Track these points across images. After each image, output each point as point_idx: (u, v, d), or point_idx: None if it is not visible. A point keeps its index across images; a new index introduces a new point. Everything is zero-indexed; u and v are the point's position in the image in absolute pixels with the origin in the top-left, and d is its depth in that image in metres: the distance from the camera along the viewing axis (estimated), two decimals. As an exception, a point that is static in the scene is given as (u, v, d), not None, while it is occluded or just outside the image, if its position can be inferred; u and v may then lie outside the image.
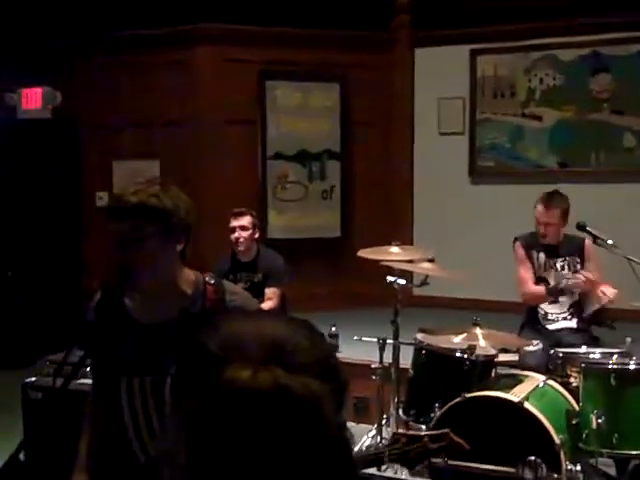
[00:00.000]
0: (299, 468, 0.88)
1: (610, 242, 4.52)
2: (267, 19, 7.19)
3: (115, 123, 7.46)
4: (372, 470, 4.40)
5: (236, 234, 5.31)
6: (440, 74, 7.58)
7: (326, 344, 0.99)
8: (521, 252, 4.88)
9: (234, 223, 5.35)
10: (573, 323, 4.79)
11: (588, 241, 4.71)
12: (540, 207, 4.75)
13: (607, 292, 4.50)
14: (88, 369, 4.02)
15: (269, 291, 5.31)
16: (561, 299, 4.82)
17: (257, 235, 5.45)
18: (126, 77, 7.40)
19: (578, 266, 4.82)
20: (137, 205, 2.09)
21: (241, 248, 5.33)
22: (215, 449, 0.89)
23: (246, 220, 5.37)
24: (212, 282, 2.25)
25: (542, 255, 4.85)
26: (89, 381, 4.07)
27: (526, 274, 4.84)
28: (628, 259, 4.40)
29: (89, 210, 7.52)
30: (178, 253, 2.18)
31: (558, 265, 4.84)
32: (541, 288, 4.79)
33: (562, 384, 4.06)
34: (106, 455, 2.32)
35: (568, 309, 4.81)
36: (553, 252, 4.84)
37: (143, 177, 2.27)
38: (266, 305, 5.13)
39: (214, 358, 0.91)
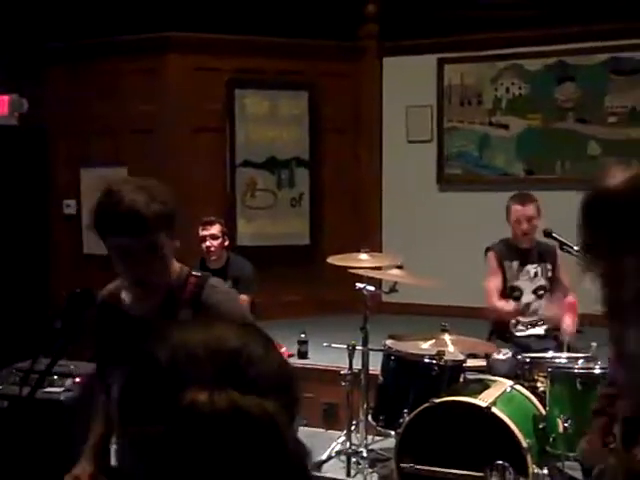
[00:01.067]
0: None
1: (576, 248, 4.57)
2: (237, 28, 7.20)
3: (83, 130, 7.41)
4: (342, 475, 4.44)
5: (207, 243, 5.36)
6: (408, 83, 7.64)
7: (279, 353, 0.99)
8: (494, 263, 4.89)
9: (204, 232, 5.38)
10: (541, 330, 4.84)
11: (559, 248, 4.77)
12: (517, 205, 4.81)
13: (567, 328, 4.47)
14: (55, 377, 4.01)
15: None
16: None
17: (227, 243, 5.50)
18: (95, 84, 7.36)
19: (550, 273, 4.88)
20: (149, 217, 2.02)
21: (213, 257, 5.39)
22: (176, 473, 0.88)
23: (216, 229, 5.41)
24: (197, 275, 2.23)
25: (515, 263, 4.88)
26: (56, 389, 4.06)
27: (493, 286, 4.85)
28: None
29: (57, 218, 7.47)
30: (175, 248, 2.18)
31: (531, 272, 4.88)
32: (507, 306, 4.80)
33: (529, 389, 4.11)
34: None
35: (537, 319, 4.85)
36: (526, 258, 4.87)
37: (120, 181, 2.26)
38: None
39: (167, 377, 0.90)
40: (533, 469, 3.70)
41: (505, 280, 4.87)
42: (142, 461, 0.90)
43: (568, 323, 4.33)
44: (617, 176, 2.20)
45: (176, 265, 2.23)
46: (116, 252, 2.09)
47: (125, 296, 2.26)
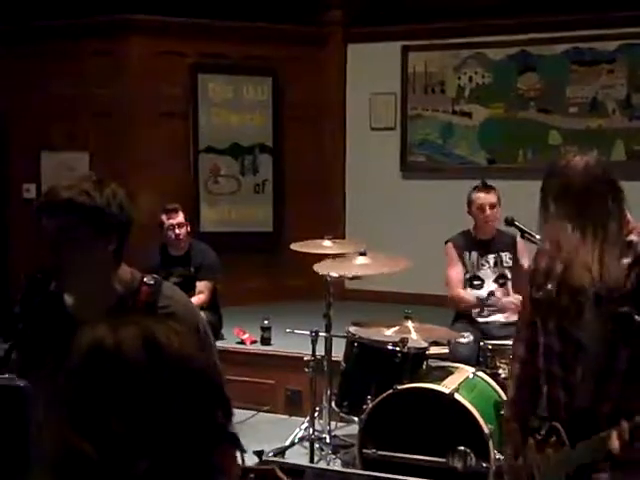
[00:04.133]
0: (171, 406, 0.98)
1: (538, 237, 4.61)
2: (201, 12, 7.14)
3: (43, 114, 7.30)
4: (305, 462, 4.44)
5: (176, 231, 5.34)
6: (372, 70, 7.64)
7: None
8: (453, 253, 4.94)
9: (171, 221, 5.35)
10: (502, 317, 4.89)
11: (520, 237, 4.81)
12: (479, 193, 4.86)
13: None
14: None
15: (200, 285, 5.31)
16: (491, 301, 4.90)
17: (189, 229, 5.48)
18: (55, 67, 7.25)
19: (510, 262, 4.93)
20: (67, 202, 2.01)
21: (182, 244, 5.37)
22: (93, 404, 0.98)
23: (181, 216, 5.40)
24: (150, 283, 2.14)
25: (474, 254, 4.93)
26: (15, 375, 4.01)
27: (454, 278, 4.90)
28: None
29: (16, 202, 7.36)
30: (111, 252, 2.08)
31: (491, 261, 4.93)
32: (470, 297, 4.86)
33: (491, 375, 4.16)
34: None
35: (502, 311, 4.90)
36: (485, 249, 4.92)
37: (80, 172, 2.24)
38: (197, 299, 5.12)
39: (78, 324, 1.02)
40: (495, 454, 3.74)
41: (466, 271, 4.92)
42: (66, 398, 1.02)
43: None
44: (575, 162, 2.35)
45: (126, 271, 2.15)
46: (42, 234, 2.08)
47: (68, 297, 2.19)
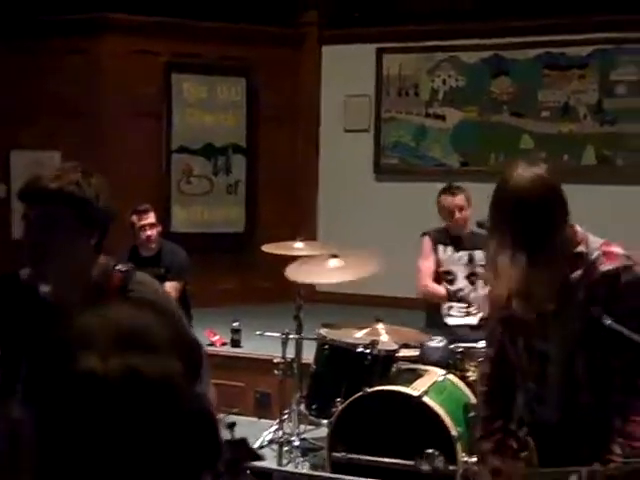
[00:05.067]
0: (160, 447, 0.91)
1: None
2: (176, 11, 7.10)
3: (14, 113, 7.22)
4: (273, 465, 4.43)
5: (148, 232, 5.31)
6: (347, 72, 7.64)
7: (177, 323, 1.01)
8: (428, 246, 4.97)
9: (143, 222, 5.32)
10: (474, 320, 4.90)
11: (491, 238, 4.83)
12: (447, 197, 4.89)
13: None
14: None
15: (169, 285, 5.27)
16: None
17: (160, 230, 5.47)
18: (27, 66, 7.18)
19: (482, 261, 4.95)
20: (55, 191, 2.01)
21: (153, 245, 5.35)
22: (70, 441, 0.90)
23: (152, 217, 5.38)
24: (122, 270, 2.17)
25: (449, 249, 4.96)
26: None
27: (425, 268, 4.93)
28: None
29: (-15, 201, 7.28)
30: (92, 245, 2.11)
31: (464, 258, 4.95)
32: (439, 289, 4.87)
33: (461, 378, 4.16)
34: None
35: (472, 306, 4.91)
36: (459, 245, 4.95)
37: (64, 164, 2.22)
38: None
39: (62, 349, 0.93)
40: (462, 457, 3.75)
41: (439, 265, 4.94)
42: (41, 432, 0.92)
43: None
44: (524, 173, 2.27)
45: (101, 258, 2.17)
46: (25, 222, 2.08)
47: (44, 287, 2.20)
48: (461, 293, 4.88)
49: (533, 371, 2.36)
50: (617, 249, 2.31)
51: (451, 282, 4.92)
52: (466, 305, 4.89)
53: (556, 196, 2.27)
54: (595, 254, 2.28)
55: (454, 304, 4.91)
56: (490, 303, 2.51)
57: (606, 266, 2.26)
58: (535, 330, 2.33)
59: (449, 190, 4.94)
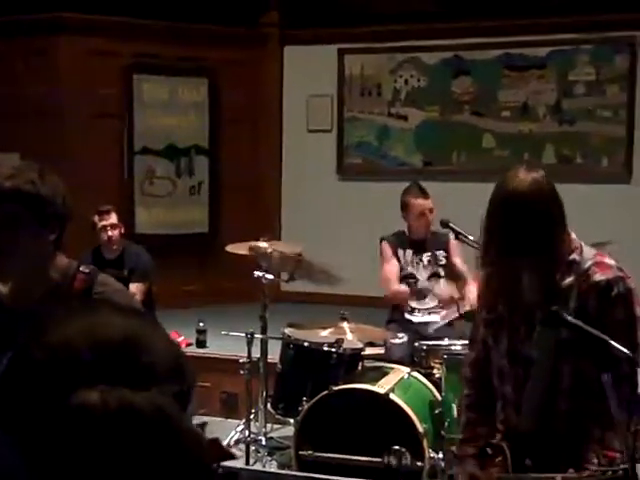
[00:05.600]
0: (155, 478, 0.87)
1: (471, 238, 4.68)
2: (135, 11, 7.05)
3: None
4: (241, 464, 4.43)
5: (109, 233, 5.28)
6: (309, 72, 7.66)
7: (168, 340, 0.95)
8: (388, 251, 4.99)
9: (104, 222, 5.29)
10: (437, 318, 4.94)
11: (452, 237, 4.88)
12: (419, 199, 4.89)
13: (470, 295, 4.59)
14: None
15: (133, 287, 5.24)
16: (427, 299, 4.97)
17: (122, 231, 5.44)
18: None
19: (444, 260, 4.99)
20: (10, 190, 1.99)
21: (115, 246, 5.32)
22: (66, 475, 0.85)
23: (114, 217, 5.36)
24: (85, 271, 2.15)
25: (409, 252, 4.98)
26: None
27: (391, 273, 4.94)
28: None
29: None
30: (51, 242, 2.08)
31: (425, 260, 4.99)
32: (405, 288, 4.92)
33: (426, 375, 4.20)
34: None
35: (434, 305, 4.96)
36: (419, 248, 4.98)
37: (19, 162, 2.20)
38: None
39: (48, 378, 0.85)
40: (429, 453, 3.78)
41: (401, 268, 4.97)
42: (26, 463, 0.86)
43: (473, 291, 4.44)
44: (524, 179, 2.28)
45: (63, 259, 2.15)
46: None
47: (1, 288, 2.17)
48: (425, 289, 4.92)
49: (513, 375, 2.37)
50: (610, 261, 2.33)
51: (413, 285, 4.95)
52: (431, 306, 4.93)
53: (555, 202, 2.29)
54: (588, 263, 2.29)
55: (417, 305, 4.96)
56: (478, 304, 2.51)
57: (598, 276, 2.27)
58: (521, 334, 2.34)
59: (421, 191, 4.94)
